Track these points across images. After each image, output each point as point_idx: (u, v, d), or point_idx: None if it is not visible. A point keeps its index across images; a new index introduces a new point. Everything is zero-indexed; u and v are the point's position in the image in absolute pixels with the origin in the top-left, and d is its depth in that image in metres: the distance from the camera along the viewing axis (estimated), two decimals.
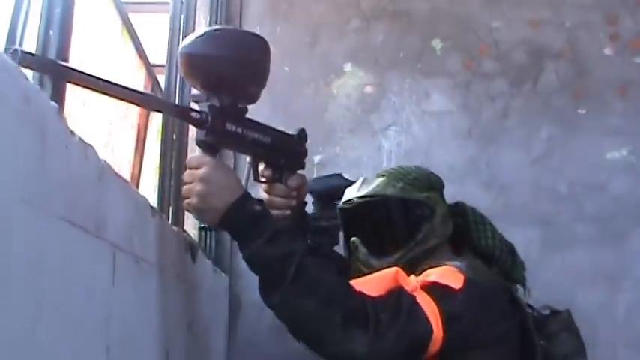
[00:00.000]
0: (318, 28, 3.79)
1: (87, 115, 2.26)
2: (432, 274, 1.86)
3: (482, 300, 1.89)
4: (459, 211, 2.23)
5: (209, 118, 1.69)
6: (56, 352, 1.12)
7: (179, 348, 2.17)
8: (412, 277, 1.86)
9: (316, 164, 3.59)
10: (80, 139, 1.23)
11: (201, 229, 3.33)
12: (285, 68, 3.76)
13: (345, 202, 2.21)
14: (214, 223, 1.73)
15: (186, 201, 1.70)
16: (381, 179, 2.17)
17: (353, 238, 2.18)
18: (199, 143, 1.72)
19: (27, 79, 1.04)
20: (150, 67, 2.55)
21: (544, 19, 3.76)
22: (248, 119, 1.84)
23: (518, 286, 2.23)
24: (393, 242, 2.12)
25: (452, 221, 2.19)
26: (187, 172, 1.72)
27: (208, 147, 1.72)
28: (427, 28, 3.77)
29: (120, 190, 1.50)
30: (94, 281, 1.32)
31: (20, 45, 1.53)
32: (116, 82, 1.43)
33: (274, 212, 1.92)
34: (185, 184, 1.71)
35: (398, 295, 1.76)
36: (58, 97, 1.42)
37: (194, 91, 1.80)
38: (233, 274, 3.57)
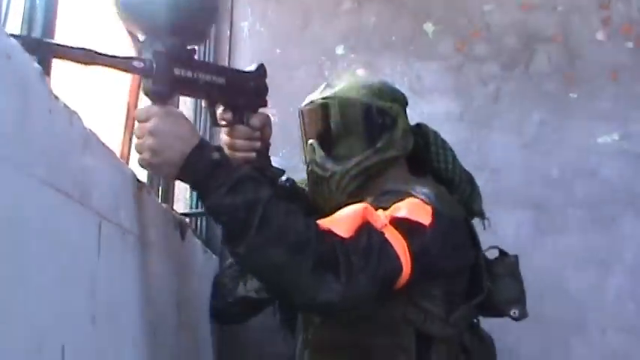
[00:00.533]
0: (309, 11, 3.77)
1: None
2: (402, 209, 1.82)
3: (448, 233, 1.88)
4: (421, 131, 2.20)
5: (154, 64, 1.60)
6: (38, 319, 1.11)
7: (168, 327, 2.16)
8: (380, 212, 1.81)
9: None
10: (65, 104, 1.22)
11: (189, 214, 3.32)
12: (277, 51, 3.75)
13: (306, 104, 2.17)
14: (172, 176, 1.66)
15: (139, 157, 1.62)
16: (344, 82, 2.14)
17: (310, 141, 2.12)
18: (147, 93, 1.62)
19: (8, 36, 1.02)
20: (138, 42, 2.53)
21: (536, 3, 3.75)
22: (198, 61, 1.74)
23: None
24: (351, 147, 2.07)
25: (413, 138, 2.16)
26: (136, 125, 1.63)
27: (158, 96, 1.62)
28: (419, 12, 3.76)
29: (106, 161, 1.49)
30: (79, 249, 1.31)
31: (4, 24, 1.50)
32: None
33: (239, 155, 1.88)
34: (137, 139, 1.62)
35: (368, 233, 1.72)
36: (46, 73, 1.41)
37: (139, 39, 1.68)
38: (224, 257, 3.56)
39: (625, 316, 3.44)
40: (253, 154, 1.96)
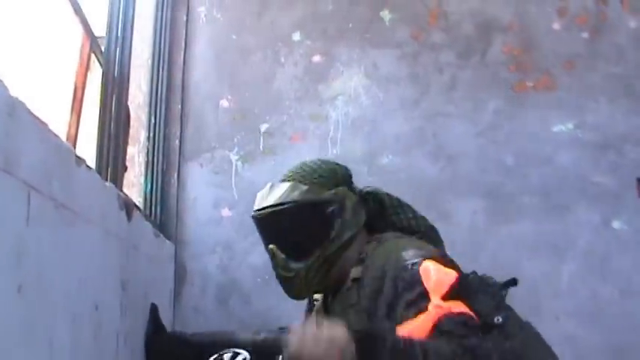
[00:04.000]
0: None
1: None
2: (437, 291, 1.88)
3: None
4: (372, 197, 2.26)
5: None
6: None
7: (111, 304, 2.15)
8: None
9: (263, 133, 3.59)
10: None
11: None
12: (233, 37, 3.74)
13: (255, 211, 2.22)
14: None
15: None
16: (286, 184, 2.18)
17: (270, 246, 2.18)
18: None
19: None
20: (87, 25, 2.51)
21: None
22: None
23: None
24: (308, 244, 2.15)
25: (364, 209, 2.22)
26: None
27: None
28: None
29: (36, 131, 1.47)
30: (4, 215, 1.29)
31: None
32: None
33: None
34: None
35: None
36: None
37: None
38: (179, 243, 3.55)
39: (577, 301, 3.48)
40: None
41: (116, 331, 2.20)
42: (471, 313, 1.83)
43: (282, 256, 2.16)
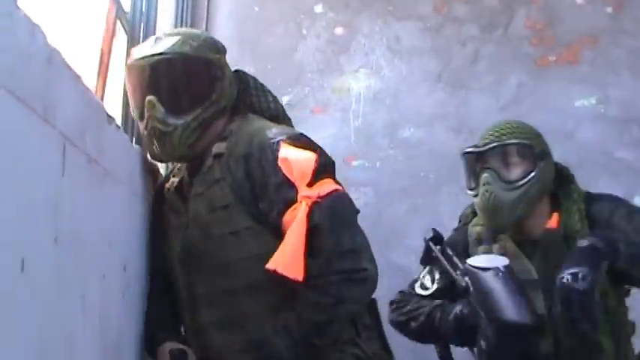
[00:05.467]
0: None
1: None
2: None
3: None
4: (240, 77, 2.28)
5: None
6: None
7: (138, 268, 2.15)
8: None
9: (285, 105, 3.56)
10: (26, 15, 1.20)
11: None
12: (255, 8, 3.73)
13: (139, 59, 2.15)
14: None
15: None
16: (176, 37, 2.15)
17: (149, 97, 2.10)
18: None
19: None
20: None
21: None
22: None
23: None
24: (189, 101, 2.12)
25: (236, 86, 2.24)
26: None
27: None
28: None
29: (72, 82, 1.46)
30: (42, 165, 1.29)
31: None
32: None
33: None
34: None
35: None
36: None
37: None
38: None
39: None
40: None
41: (141, 294, 2.20)
42: (336, 186, 2.01)
43: (162, 109, 2.09)
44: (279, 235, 1.96)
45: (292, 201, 1.96)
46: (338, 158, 2.25)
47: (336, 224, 1.94)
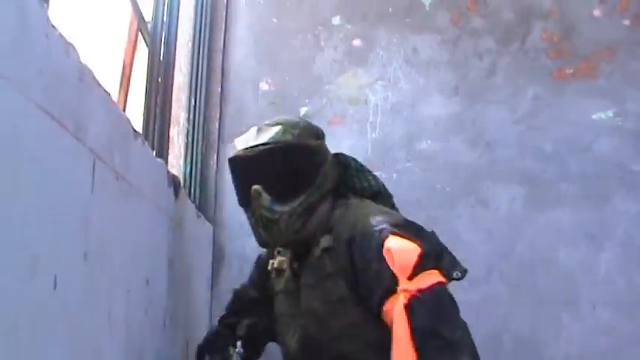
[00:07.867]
0: None
1: None
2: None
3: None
4: (340, 159, 2.30)
5: None
6: (33, 243, 1.11)
7: (160, 280, 2.16)
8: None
9: (302, 116, 3.58)
10: (61, 34, 1.21)
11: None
12: (274, 20, 3.74)
13: (244, 150, 2.18)
14: None
15: None
16: (277, 127, 2.18)
17: (255, 187, 2.14)
18: None
19: None
20: (136, 3, 2.52)
21: None
22: None
23: None
24: (294, 188, 2.15)
25: (337, 168, 2.27)
26: None
27: None
28: None
29: (101, 100, 1.48)
30: (73, 182, 1.30)
31: None
32: None
33: None
34: None
35: None
36: None
37: None
38: (217, 225, 3.56)
39: (615, 291, 3.45)
40: None
41: (164, 308, 2.21)
42: (437, 279, 1.95)
43: (268, 197, 2.14)
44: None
45: (392, 291, 1.94)
46: None
47: (435, 320, 1.91)
